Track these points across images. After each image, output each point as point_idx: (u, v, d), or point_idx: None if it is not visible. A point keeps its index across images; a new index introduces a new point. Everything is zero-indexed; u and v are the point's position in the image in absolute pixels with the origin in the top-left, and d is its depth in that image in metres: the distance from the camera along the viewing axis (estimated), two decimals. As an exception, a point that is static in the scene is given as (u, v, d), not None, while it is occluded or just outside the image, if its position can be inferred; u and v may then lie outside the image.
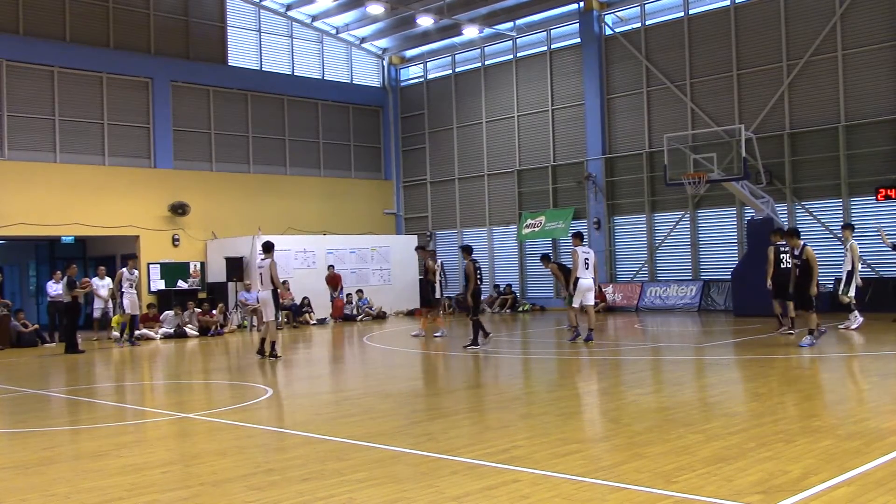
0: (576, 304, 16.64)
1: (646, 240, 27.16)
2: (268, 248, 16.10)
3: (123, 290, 20.62)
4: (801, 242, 14.79)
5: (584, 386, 11.94)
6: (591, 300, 16.77)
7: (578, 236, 17.28)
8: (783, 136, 24.05)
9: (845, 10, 23.02)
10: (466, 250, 17.14)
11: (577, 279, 16.61)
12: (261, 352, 16.13)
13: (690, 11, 26.13)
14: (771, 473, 6.17)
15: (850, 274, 16.97)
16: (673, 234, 26.53)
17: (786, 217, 23.40)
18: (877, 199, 22.22)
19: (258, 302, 16.28)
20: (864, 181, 22.66)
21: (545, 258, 20.62)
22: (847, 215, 22.94)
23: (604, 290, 26.89)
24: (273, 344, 15.96)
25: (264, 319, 16.30)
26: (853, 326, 16.87)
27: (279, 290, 16.37)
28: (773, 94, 24.25)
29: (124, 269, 20.81)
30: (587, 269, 16.57)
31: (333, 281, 26.73)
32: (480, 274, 17.00)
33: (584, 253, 16.68)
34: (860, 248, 22.63)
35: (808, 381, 11.44)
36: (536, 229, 28.79)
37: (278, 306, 16.54)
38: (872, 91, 22.67)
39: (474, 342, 16.29)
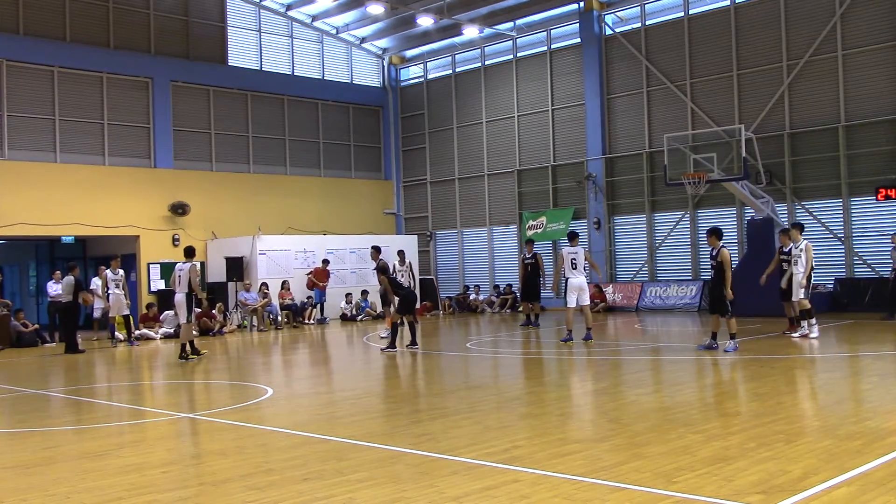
0: (571, 304, 16.64)
1: (646, 240, 27.16)
2: (189, 252, 17.04)
3: (109, 290, 20.65)
4: (720, 244, 14.42)
5: (584, 386, 11.94)
6: (585, 299, 16.76)
7: (572, 237, 17.29)
8: (783, 137, 24.05)
9: (845, 11, 23.02)
10: (382, 271, 17.33)
11: (566, 279, 16.67)
12: (183, 356, 16.40)
13: (690, 11, 26.13)
14: (771, 473, 6.17)
15: (809, 278, 16.09)
16: (673, 234, 26.53)
17: (786, 217, 23.38)
18: (877, 199, 22.22)
19: (175, 304, 17.01)
20: (864, 181, 22.66)
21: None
22: (847, 215, 22.96)
23: (604, 289, 26.90)
24: (191, 343, 16.55)
25: (180, 321, 17.03)
26: (813, 335, 15.74)
27: (198, 293, 17.15)
28: (773, 95, 24.26)
29: (108, 271, 20.88)
30: (574, 268, 16.56)
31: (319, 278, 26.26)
32: (396, 282, 17.44)
33: (571, 253, 16.69)
34: (861, 249, 22.72)
35: (808, 382, 11.44)
36: (539, 231, 28.78)
37: (191, 310, 17.01)
38: (872, 91, 22.66)
39: (391, 345, 16.49)
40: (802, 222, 18.94)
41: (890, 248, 20.08)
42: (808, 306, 15.89)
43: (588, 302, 16.99)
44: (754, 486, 5.84)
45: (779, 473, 6.16)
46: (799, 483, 5.88)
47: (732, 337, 14.35)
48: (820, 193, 23.63)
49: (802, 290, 15.88)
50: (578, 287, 16.59)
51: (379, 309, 27.19)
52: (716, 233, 14.70)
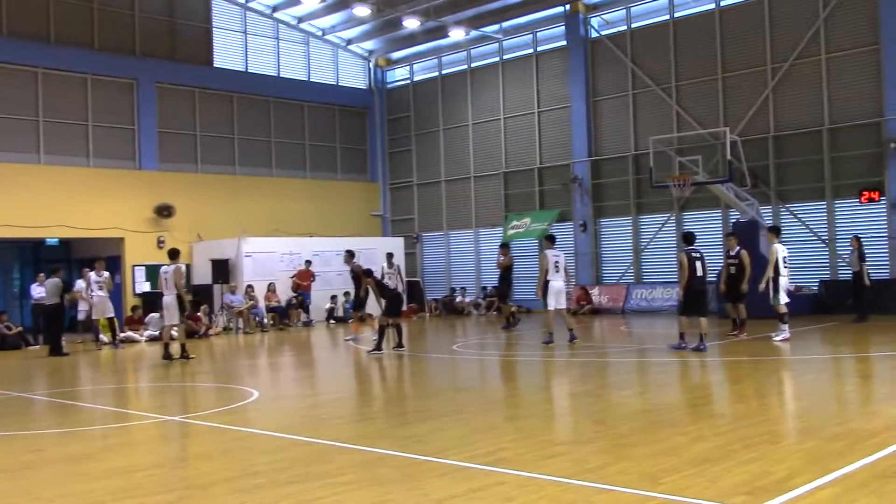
0: (550, 307, 16.70)
1: (631, 242, 27.24)
2: (173, 254, 17.08)
3: (93, 292, 20.50)
4: (684, 246, 15.06)
5: (570, 388, 11.96)
6: (563, 303, 16.79)
7: (550, 239, 17.36)
8: (767, 139, 24.17)
9: (829, 14, 23.16)
10: (367, 273, 17.55)
11: (547, 282, 16.64)
12: (167, 356, 16.50)
13: (676, 15, 26.23)
14: (756, 475, 6.20)
15: (776, 280, 15.87)
16: (658, 237, 26.60)
17: (770, 219, 23.49)
18: (860, 202, 22.38)
19: (163, 305, 16.99)
20: (847, 183, 22.80)
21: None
22: (831, 217, 23.10)
23: (589, 292, 26.95)
24: (183, 346, 16.67)
25: (167, 322, 16.98)
26: (777, 339, 15.53)
27: (183, 296, 17.01)
28: (757, 97, 24.38)
29: (92, 273, 20.73)
30: (557, 271, 16.61)
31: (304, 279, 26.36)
32: (383, 285, 17.48)
33: (554, 256, 16.71)
34: (844, 251, 22.82)
35: (793, 383, 11.50)
36: (521, 230, 28.79)
37: (183, 311, 17.19)
38: (856, 94, 22.81)
39: (377, 347, 16.33)
40: (779, 226, 19.10)
41: (849, 251, 20.45)
42: (785, 310, 15.93)
43: (565, 305, 17.04)
44: (739, 487, 5.86)
45: (763, 474, 6.19)
46: (783, 484, 5.90)
47: (702, 338, 14.56)
48: (804, 196, 23.76)
49: (780, 293, 15.92)
50: (559, 290, 16.64)
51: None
52: (686, 238, 15.42)
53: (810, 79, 23.57)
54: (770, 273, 15.89)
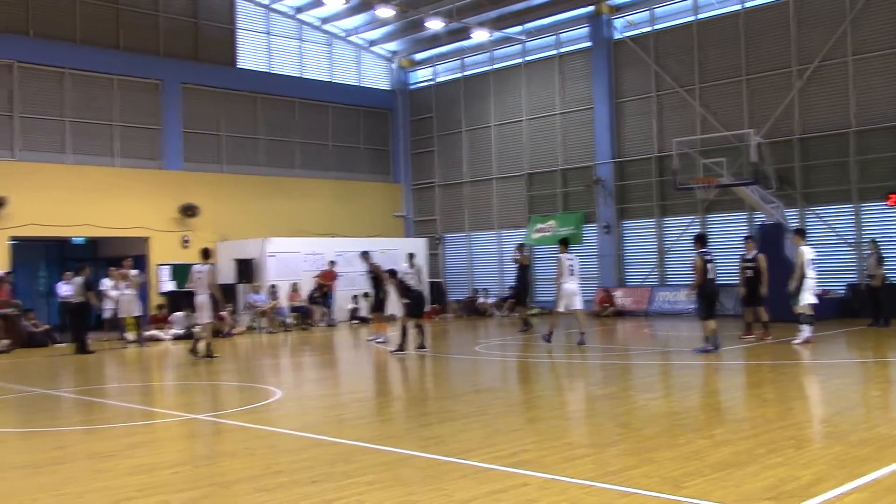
0: (561, 309, 16.99)
1: (655, 244, 27.11)
2: (206, 254, 17.39)
3: (120, 290, 20.67)
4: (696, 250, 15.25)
5: (593, 390, 11.92)
6: (578, 304, 17.01)
7: (564, 243, 17.51)
8: (793, 141, 23.99)
9: (856, 15, 22.95)
10: (392, 274, 17.72)
11: (559, 284, 16.91)
12: (194, 351, 16.95)
13: (700, 16, 26.09)
14: (781, 479, 6.15)
15: (801, 281, 15.77)
16: (683, 239, 26.45)
17: (796, 222, 23.31)
18: (887, 205, 22.13)
19: (196, 304, 17.14)
20: (874, 186, 22.57)
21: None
22: (858, 220, 22.87)
23: (613, 294, 26.85)
24: (208, 345, 16.86)
25: (198, 321, 17.29)
26: (796, 342, 15.48)
27: (217, 295, 17.18)
28: (783, 99, 24.19)
29: (131, 271, 20.90)
30: (572, 275, 16.87)
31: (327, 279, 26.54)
32: (405, 285, 17.52)
33: (569, 259, 17.01)
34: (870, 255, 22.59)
35: (818, 387, 11.41)
36: (547, 234, 28.70)
37: (216, 310, 17.57)
38: (883, 96, 22.58)
39: (401, 348, 16.43)
40: (804, 228, 18.92)
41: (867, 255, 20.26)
42: (805, 311, 15.81)
43: (581, 306, 17.19)
44: (764, 492, 5.82)
45: (788, 479, 6.15)
46: (809, 489, 5.86)
47: (706, 340, 14.79)
48: (830, 198, 23.55)
49: (803, 294, 15.78)
50: (571, 293, 16.81)
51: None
52: (699, 239, 15.52)
53: (837, 80, 23.38)
54: (798, 273, 15.84)
